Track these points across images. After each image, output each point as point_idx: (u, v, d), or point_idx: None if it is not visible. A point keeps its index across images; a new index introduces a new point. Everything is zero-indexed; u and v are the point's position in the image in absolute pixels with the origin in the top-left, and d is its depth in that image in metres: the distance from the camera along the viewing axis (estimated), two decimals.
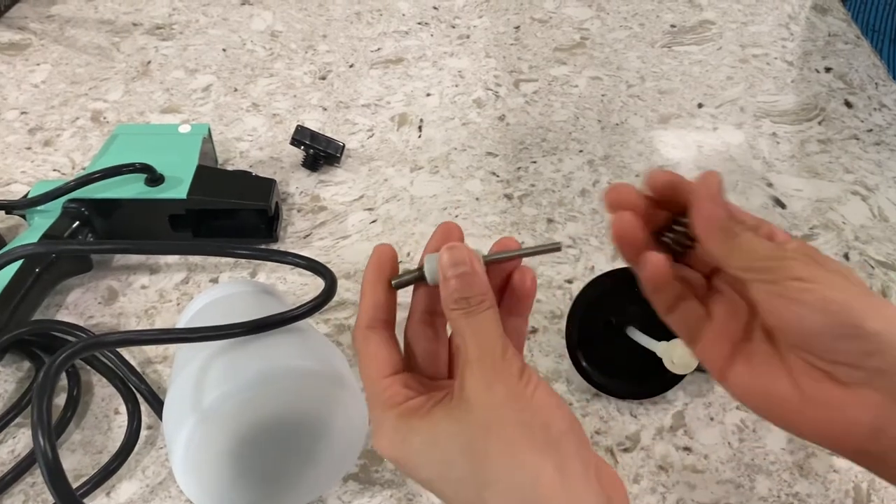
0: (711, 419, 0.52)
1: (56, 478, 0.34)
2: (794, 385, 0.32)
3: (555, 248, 0.34)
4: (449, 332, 0.36)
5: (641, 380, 0.52)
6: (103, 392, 0.54)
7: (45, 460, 0.35)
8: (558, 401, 0.30)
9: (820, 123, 0.76)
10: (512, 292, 0.35)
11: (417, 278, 0.34)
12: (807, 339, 0.31)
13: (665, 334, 0.48)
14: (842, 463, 0.50)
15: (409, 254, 0.63)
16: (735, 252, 0.32)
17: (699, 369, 0.51)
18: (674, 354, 0.47)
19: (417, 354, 0.35)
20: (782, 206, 0.67)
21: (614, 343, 0.52)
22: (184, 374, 0.42)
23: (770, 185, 0.69)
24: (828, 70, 0.82)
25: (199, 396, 0.40)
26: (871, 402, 0.29)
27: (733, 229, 0.32)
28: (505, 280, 0.35)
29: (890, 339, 0.29)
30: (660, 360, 0.48)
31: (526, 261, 0.36)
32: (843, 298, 0.29)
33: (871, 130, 0.75)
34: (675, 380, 0.52)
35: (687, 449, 0.51)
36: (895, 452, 0.30)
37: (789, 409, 0.32)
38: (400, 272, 0.35)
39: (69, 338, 0.54)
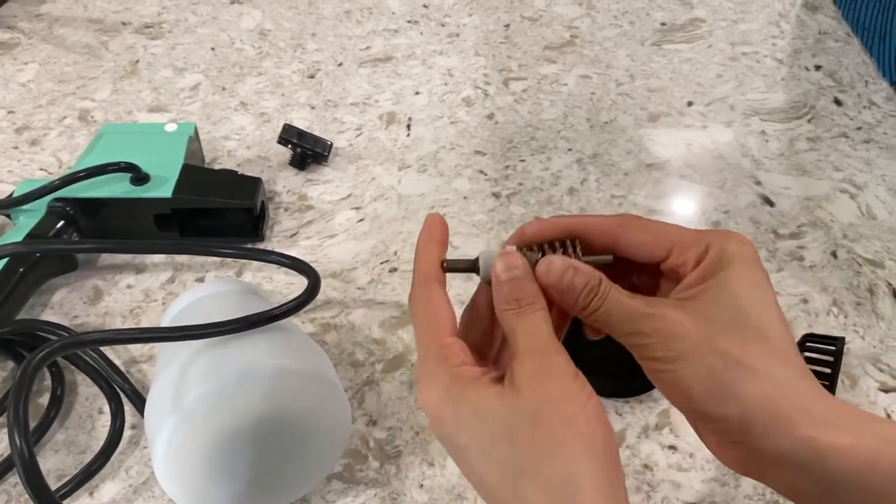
0: None
1: (33, 478, 0.34)
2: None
3: (607, 260, 0.36)
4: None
5: (626, 378, 0.52)
6: (87, 391, 0.53)
7: (21, 461, 0.34)
8: (605, 415, 0.31)
9: (809, 121, 0.76)
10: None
11: (469, 269, 0.35)
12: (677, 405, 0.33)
13: None
14: None
15: (395, 252, 0.63)
16: (603, 322, 0.34)
17: None
18: None
19: (474, 335, 0.36)
20: (771, 204, 0.67)
21: (599, 341, 0.52)
22: (165, 374, 0.42)
23: (759, 183, 0.69)
24: (818, 68, 0.82)
25: (180, 396, 0.40)
26: (740, 455, 0.32)
27: (592, 303, 0.33)
28: None
29: (738, 418, 0.30)
30: None
31: None
32: (688, 387, 0.31)
33: (860, 128, 0.75)
34: None
35: (672, 447, 0.51)
36: (777, 487, 0.32)
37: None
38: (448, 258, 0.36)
39: (52, 337, 0.54)
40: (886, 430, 0.29)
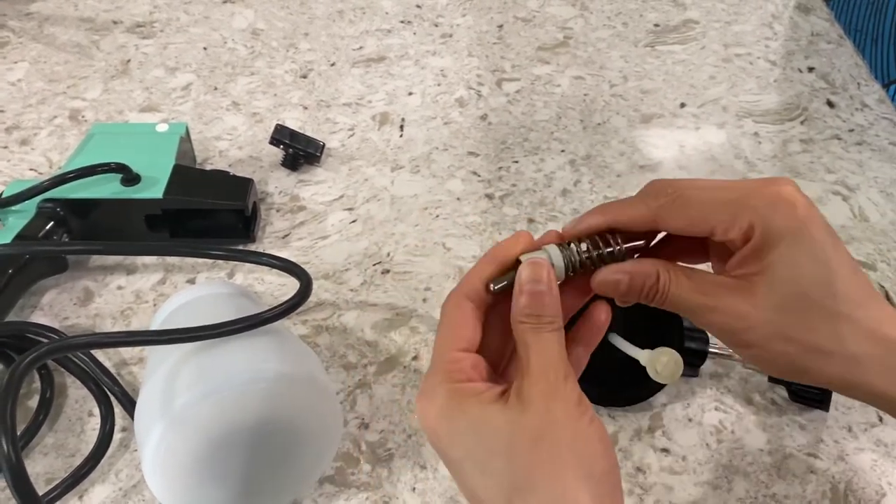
0: (689, 420, 0.52)
1: (20, 483, 0.34)
2: None
3: (643, 245, 0.35)
4: None
5: (623, 387, 0.52)
6: (77, 394, 0.53)
7: (8, 465, 0.34)
8: (608, 441, 0.31)
9: (802, 123, 0.76)
10: (585, 322, 0.36)
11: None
12: None
13: (648, 342, 0.48)
14: (819, 464, 0.50)
15: (388, 254, 0.62)
16: (671, 309, 0.34)
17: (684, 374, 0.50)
18: (659, 363, 0.46)
19: (489, 343, 0.35)
20: None
21: (596, 350, 0.51)
22: (154, 377, 0.42)
23: None
24: (810, 70, 0.82)
25: (169, 400, 0.40)
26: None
27: (655, 299, 0.34)
28: (577, 305, 0.36)
29: (821, 383, 0.33)
30: (641, 367, 0.47)
31: None
32: (765, 364, 0.33)
33: (852, 130, 0.75)
34: (656, 387, 0.51)
35: (665, 450, 0.51)
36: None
37: None
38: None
39: (42, 339, 0.53)
40: None
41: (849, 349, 0.31)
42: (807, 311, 0.31)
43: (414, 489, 0.49)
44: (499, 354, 0.36)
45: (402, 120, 0.75)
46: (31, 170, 0.69)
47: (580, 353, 0.36)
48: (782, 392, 0.53)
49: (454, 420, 0.31)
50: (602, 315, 0.36)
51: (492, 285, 0.34)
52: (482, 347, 0.34)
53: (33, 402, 0.52)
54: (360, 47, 0.84)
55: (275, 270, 0.60)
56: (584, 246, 0.35)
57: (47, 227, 0.58)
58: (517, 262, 0.34)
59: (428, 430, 0.32)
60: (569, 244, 0.35)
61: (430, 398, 0.32)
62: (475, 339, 0.33)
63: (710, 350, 0.52)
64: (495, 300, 0.35)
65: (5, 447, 0.34)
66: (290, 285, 0.60)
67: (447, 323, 0.33)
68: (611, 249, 0.35)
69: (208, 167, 0.69)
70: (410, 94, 0.78)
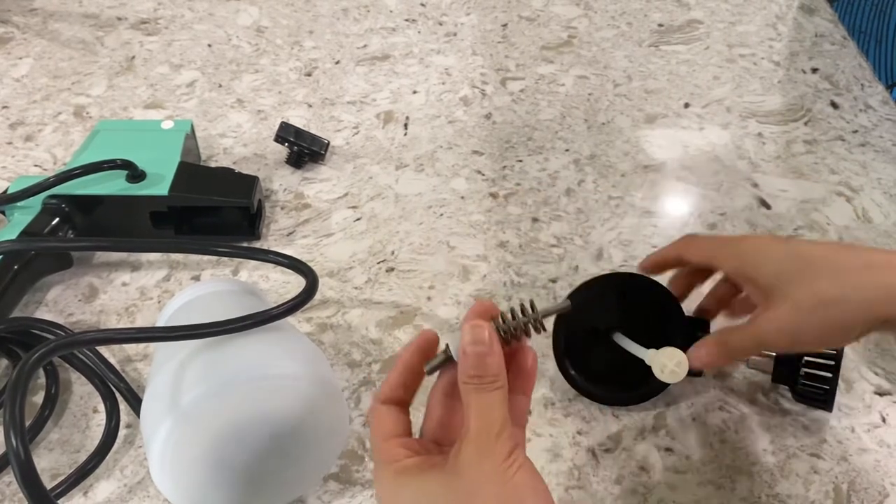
0: (693, 420, 0.52)
1: (28, 478, 0.34)
2: None
3: (566, 308, 0.36)
4: None
5: (627, 386, 0.52)
6: (82, 390, 0.53)
7: (17, 460, 0.34)
8: (536, 484, 0.33)
9: (806, 124, 0.76)
10: (516, 372, 0.37)
11: (446, 360, 0.37)
12: None
13: (652, 341, 0.48)
14: (822, 464, 0.50)
15: (392, 252, 0.63)
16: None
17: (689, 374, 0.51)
18: (663, 362, 0.46)
19: (433, 419, 0.38)
20: (767, 206, 0.67)
21: (600, 349, 0.52)
22: (161, 374, 0.42)
23: (755, 185, 0.69)
24: (814, 71, 0.82)
25: (176, 396, 0.40)
26: None
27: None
28: (509, 357, 0.37)
29: None
30: (646, 366, 0.47)
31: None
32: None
33: (856, 131, 0.75)
34: (661, 387, 0.52)
35: (668, 450, 0.51)
36: None
37: None
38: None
39: (48, 335, 0.54)
40: None
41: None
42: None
43: None
44: (446, 424, 0.38)
45: (407, 118, 0.75)
46: (35, 166, 0.69)
47: (522, 402, 0.38)
48: (786, 392, 0.53)
49: (399, 496, 0.34)
50: (529, 360, 0.37)
51: (426, 367, 0.37)
52: (435, 427, 0.38)
53: (38, 398, 0.52)
54: (365, 45, 0.84)
55: (279, 268, 0.60)
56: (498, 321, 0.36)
57: (52, 224, 0.58)
58: (443, 350, 0.37)
59: None
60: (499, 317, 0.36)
61: (379, 483, 0.35)
62: (398, 428, 0.37)
63: None
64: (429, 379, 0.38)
65: (15, 443, 0.34)
66: (294, 283, 0.60)
67: (374, 423, 0.37)
68: (524, 314, 0.35)
69: (213, 164, 0.70)
70: (415, 92, 0.78)
